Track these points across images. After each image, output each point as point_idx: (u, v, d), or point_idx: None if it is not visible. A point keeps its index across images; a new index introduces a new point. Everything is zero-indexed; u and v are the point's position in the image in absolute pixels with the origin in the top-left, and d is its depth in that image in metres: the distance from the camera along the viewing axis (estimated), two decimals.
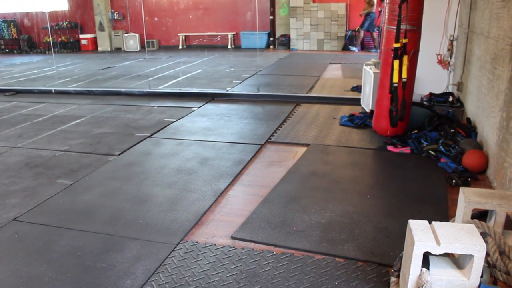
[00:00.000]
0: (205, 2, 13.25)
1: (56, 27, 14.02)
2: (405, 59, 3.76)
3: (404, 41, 3.75)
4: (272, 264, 2.30)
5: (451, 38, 5.29)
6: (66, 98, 6.76)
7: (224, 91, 6.64)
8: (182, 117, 5.31)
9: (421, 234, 1.84)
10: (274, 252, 2.41)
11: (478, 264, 1.79)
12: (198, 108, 5.77)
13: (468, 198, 2.27)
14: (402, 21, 3.71)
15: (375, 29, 11.09)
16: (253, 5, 12.38)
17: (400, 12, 3.69)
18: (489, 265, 2.06)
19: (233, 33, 13.18)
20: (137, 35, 13.41)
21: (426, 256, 1.85)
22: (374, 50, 11.18)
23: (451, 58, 5.37)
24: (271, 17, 12.53)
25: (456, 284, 1.85)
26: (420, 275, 1.83)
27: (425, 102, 4.87)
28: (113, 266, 2.32)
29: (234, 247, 2.48)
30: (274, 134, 4.56)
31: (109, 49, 13.79)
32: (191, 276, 2.22)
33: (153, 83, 7.47)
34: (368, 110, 4.98)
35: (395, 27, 3.76)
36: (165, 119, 5.24)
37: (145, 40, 13.15)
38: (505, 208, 2.25)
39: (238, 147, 4.17)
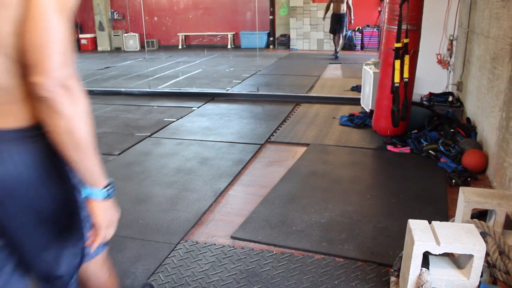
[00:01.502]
0: (205, 2, 13.24)
1: None
2: (407, 58, 3.76)
3: (406, 40, 3.75)
4: (272, 264, 2.30)
5: (451, 38, 5.29)
6: None
7: (224, 91, 6.64)
8: (182, 117, 5.31)
9: (421, 234, 1.84)
10: (274, 252, 2.41)
11: (477, 264, 1.79)
12: (198, 108, 5.77)
13: (467, 198, 2.27)
14: (403, 21, 3.71)
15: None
16: (252, 5, 12.38)
17: (401, 12, 3.69)
18: (488, 265, 2.06)
19: (233, 33, 13.18)
20: (137, 35, 13.40)
21: (426, 256, 1.85)
22: (336, 54, 10.13)
23: (450, 58, 5.37)
24: (270, 17, 12.53)
25: (455, 283, 1.85)
26: (420, 274, 1.83)
27: (425, 102, 4.88)
28: (113, 266, 2.31)
29: (233, 247, 2.48)
30: (274, 134, 4.56)
31: (108, 49, 13.79)
32: (190, 276, 2.23)
33: (153, 83, 7.47)
34: (367, 110, 4.99)
35: (395, 27, 3.77)
36: (165, 119, 5.24)
37: (145, 40, 13.13)
38: (504, 208, 2.25)
39: (238, 147, 4.17)
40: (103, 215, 1.13)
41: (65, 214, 1.14)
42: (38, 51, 0.94)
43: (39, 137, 1.02)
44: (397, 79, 3.78)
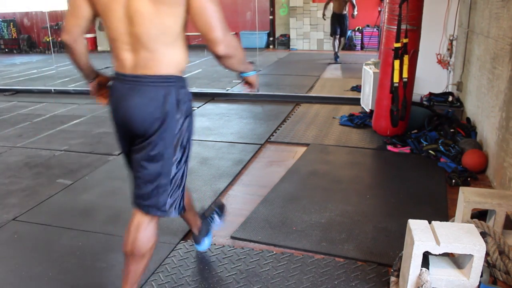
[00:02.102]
0: None
1: (56, 27, 14.00)
2: (406, 58, 3.76)
3: (405, 40, 3.75)
4: (272, 264, 2.30)
5: (451, 38, 5.29)
6: (66, 97, 6.76)
7: (223, 91, 6.63)
8: None
9: (421, 234, 1.84)
10: (274, 252, 2.41)
11: (477, 264, 1.79)
12: (198, 108, 5.77)
13: (467, 198, 2.27)
14: (402, 21, 3.71)
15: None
16: (252, 5, 12.36)
17: (400, 12, 3.69)
18: (488, 265, 2.06)
19: (232, 33, 13.16)
20: None
21: (426, 255, 1.85)
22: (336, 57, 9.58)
23: (450, 58, 5.37)
24: (270, 17, 12.52)
25: (455, 283, 1.85)
26: (419, 274, 1.83)
27: (424, 102, 4.88)
28: (113, 266, 2.32)
29: (233, 246, 2.48)
30: (274, 133, 4.56)
31: (108, 49, 13.68)
32: (190, 275, 2.23)
33: None
34: (367, 110, 4.98)
35: (395, 27, 3.77)
36: None
37: None
38: (504, 208, 2.25)
39: (238, 147, 4.17)
40: (255, 81, 1.93)
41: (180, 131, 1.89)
42: (206, 27, 1.54)
43: (172, 83, 1.69)
44: (396, 79, 3.78)
